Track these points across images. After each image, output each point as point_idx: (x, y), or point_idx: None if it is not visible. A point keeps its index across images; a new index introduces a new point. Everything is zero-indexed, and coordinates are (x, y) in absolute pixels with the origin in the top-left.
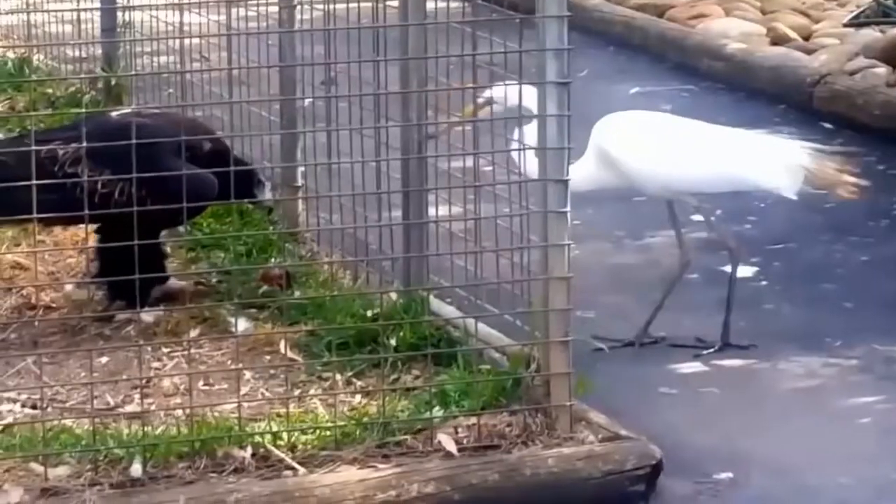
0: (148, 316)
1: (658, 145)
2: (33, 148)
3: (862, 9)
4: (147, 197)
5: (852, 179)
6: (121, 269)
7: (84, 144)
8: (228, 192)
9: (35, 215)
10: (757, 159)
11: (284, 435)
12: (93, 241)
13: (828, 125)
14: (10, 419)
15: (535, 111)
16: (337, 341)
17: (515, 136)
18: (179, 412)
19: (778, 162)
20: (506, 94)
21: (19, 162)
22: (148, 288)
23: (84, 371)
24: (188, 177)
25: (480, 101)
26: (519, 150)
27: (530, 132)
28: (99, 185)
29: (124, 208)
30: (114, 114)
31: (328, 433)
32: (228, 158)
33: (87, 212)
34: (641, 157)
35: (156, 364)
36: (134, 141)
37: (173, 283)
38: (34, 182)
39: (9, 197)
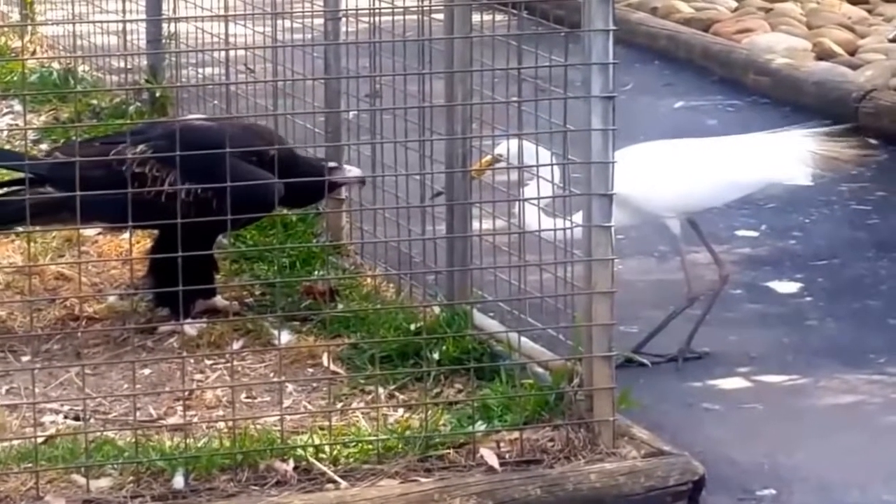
0: (191, 329)
1: (661, 172)
2: (75, 159)
3: None
4: (213, 198)
5: (860, 152)
6: (172, 274)
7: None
8: (298, 197)
9: (77, 225)
10: (763, 156)
11: (327, 448)
12: (148, 243)
13: (873, 140)
14: (52, 430)
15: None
16: (380, 354)
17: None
18: (222, 424)
19: (785, 153)
20: (508, 149)
21: (89, 164)
22: (193, 298)
23: (127, 383)
24: (252, 179)
25: (488, 158)
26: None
27: (532, 190)
28: (166, 185)
29: (190, 209)
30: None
31: (370, 447)
32: (296, 164)
33: (128, 221)
34: (649, 189)
35: (198, 376)
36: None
37: (219, 300)
38: (75, 192)
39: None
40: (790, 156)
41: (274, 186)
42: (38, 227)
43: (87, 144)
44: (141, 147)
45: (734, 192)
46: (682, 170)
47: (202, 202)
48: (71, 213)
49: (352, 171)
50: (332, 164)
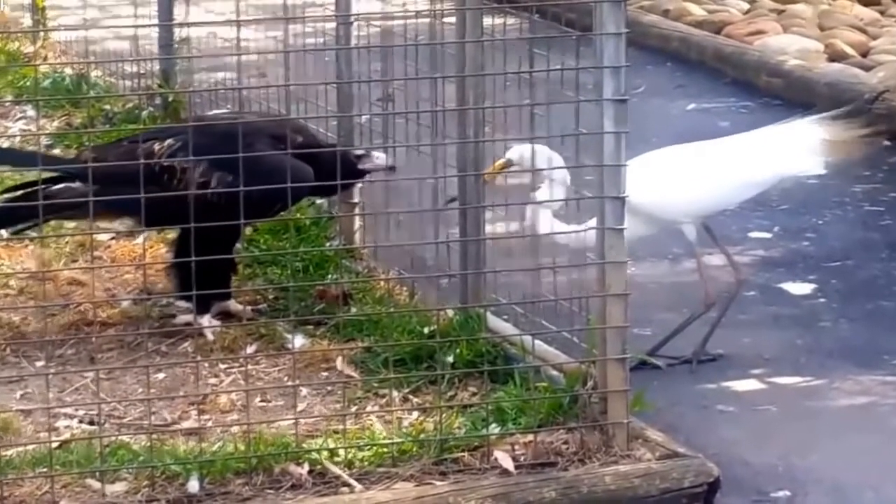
0: (208, 332)
1: (673, 179)
2: (85, 160)
3: None
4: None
5: (867, 131)
6: (197, 267)
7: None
8: (328, 184)
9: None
10: (772, 151)
11: (341, 451)
12: (171, 235)
13: (886, 142)
14: (67, 435)
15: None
16: (394, 358)
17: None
18: (236, 428)
19: (794, 144)
20: (521, 155)
21: (118, 159)
22: (212, 296)
23: (141, 387)
24: (282, 166)
25: (501, 161)
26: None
27: (543, 193)
28: (196, 175)
29: (220, 199)
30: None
31: (385, 450)
32: (322, 151)
33: (157, 215)
34: (662, 197)
35: (213, 380)
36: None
37: (232, 304)
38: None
39: (111, 195)
40: (799, 147)
41: (304, 170)
42: (63, 223)
43: (115, 145)
44: (169, 141)
45: (748, 190)
46: (694, 174)
47: (232, 192)
48: (97, 207)
49: (379, 158)
50: (358, 151)
